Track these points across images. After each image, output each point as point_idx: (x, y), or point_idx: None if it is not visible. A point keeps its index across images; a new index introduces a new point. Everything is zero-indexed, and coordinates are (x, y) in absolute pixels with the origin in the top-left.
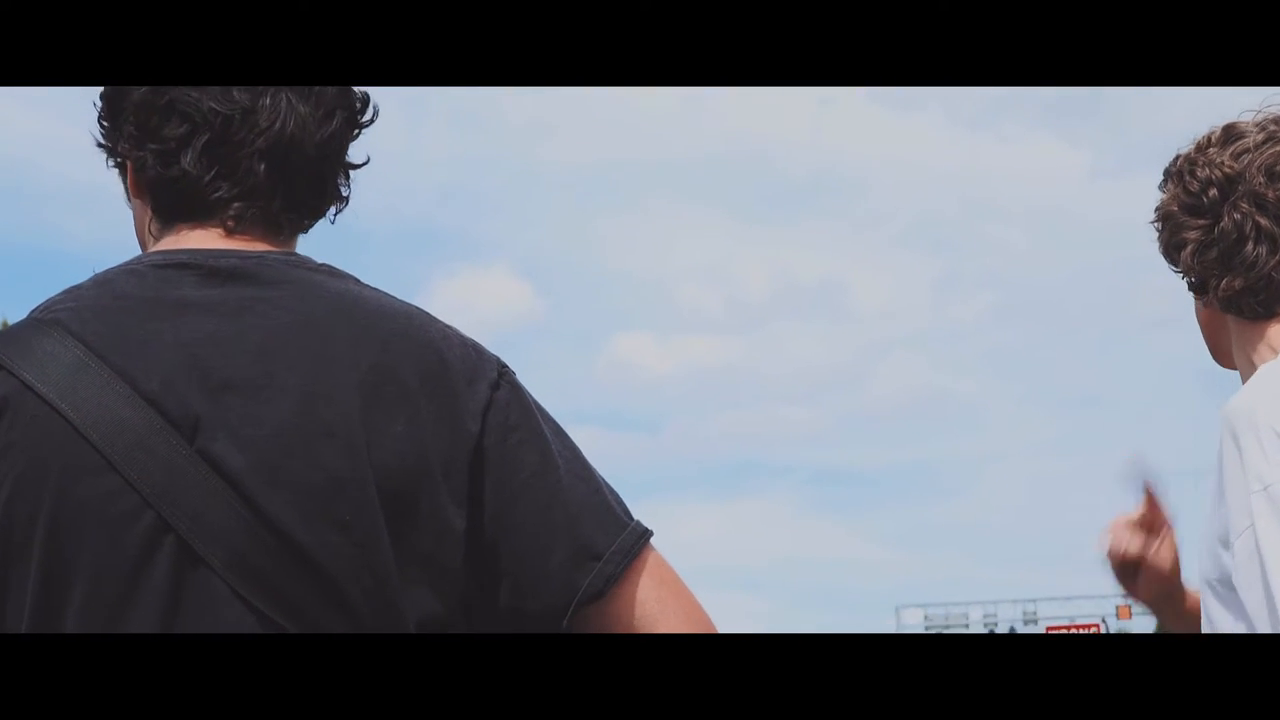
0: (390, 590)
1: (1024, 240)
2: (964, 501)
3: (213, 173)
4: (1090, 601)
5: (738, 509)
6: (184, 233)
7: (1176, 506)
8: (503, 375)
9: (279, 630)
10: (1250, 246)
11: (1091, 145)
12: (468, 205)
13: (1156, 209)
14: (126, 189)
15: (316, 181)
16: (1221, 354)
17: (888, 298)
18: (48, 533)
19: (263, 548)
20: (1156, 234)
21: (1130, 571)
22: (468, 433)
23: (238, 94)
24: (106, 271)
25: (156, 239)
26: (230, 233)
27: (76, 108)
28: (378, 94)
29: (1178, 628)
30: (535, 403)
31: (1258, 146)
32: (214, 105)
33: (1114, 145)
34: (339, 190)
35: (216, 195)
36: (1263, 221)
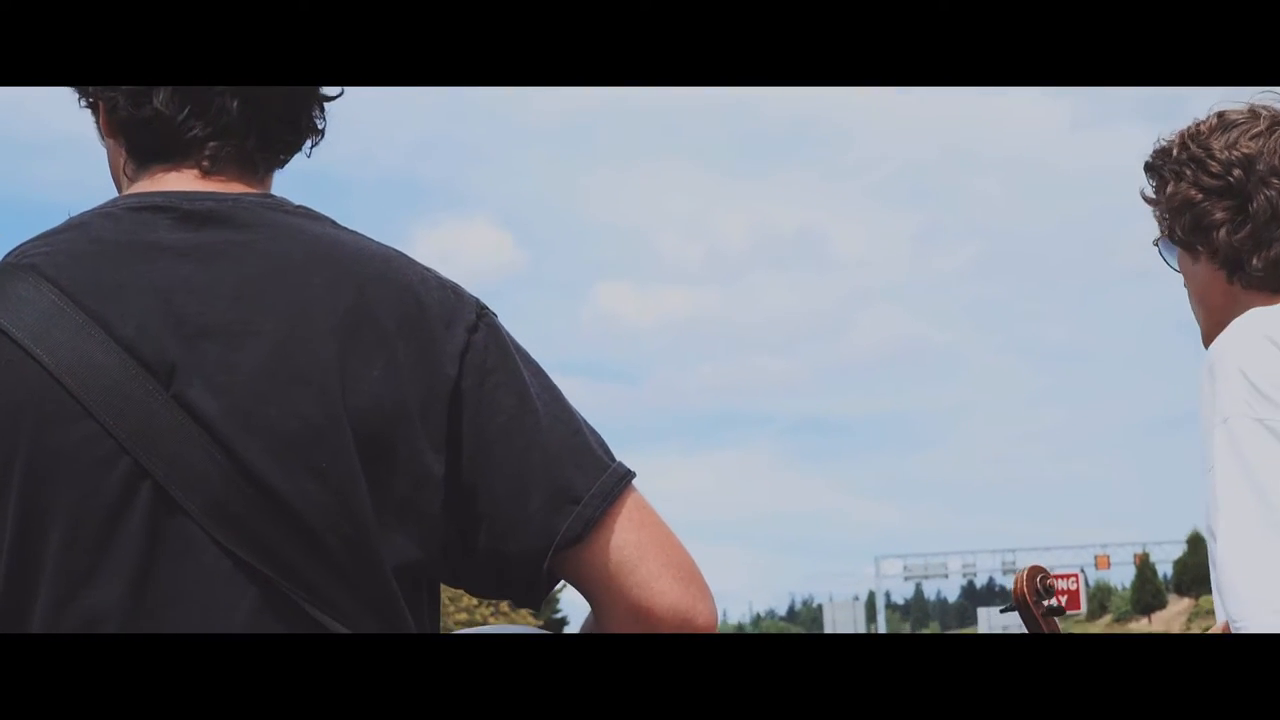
0: (368, 536)
1: (1004, 192)
2: (943, 452)
3: (185, 111)
4: (1069, 551)
5: (717, 459)
6: (159, 174)
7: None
8: (481, 317)
9: (254, 574)
10: None
11: (1071, 96)
12: (451, 156)
13: (1169, 199)
14: (99, 128)
15: (290, 116)
16: (1219, 327)
17: (867, 248)
18: (23, 478)
19: (239, 494)
20: (1165, 223)
21: None
22: (445, 376)
23: None
24: (81, 215)
25: (132, 180)
26: (206, 174)
27: None
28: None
29: None
30: (514, 344)
31: (1269, 129)
32: None
33: (1094, 96)
34: (314, 123)
35: (191, 134)
36: None
